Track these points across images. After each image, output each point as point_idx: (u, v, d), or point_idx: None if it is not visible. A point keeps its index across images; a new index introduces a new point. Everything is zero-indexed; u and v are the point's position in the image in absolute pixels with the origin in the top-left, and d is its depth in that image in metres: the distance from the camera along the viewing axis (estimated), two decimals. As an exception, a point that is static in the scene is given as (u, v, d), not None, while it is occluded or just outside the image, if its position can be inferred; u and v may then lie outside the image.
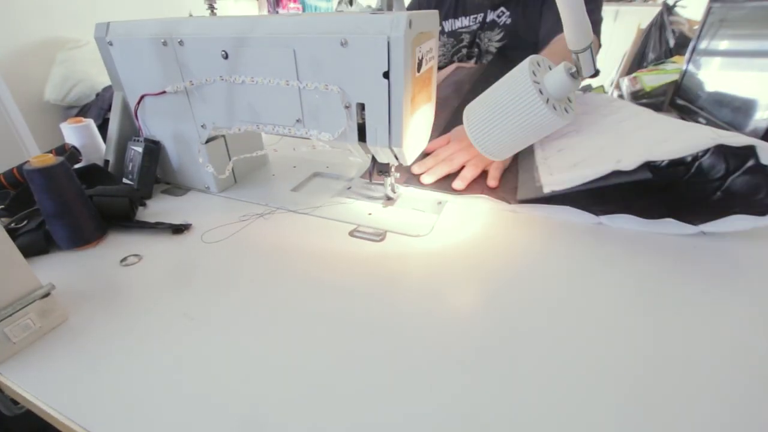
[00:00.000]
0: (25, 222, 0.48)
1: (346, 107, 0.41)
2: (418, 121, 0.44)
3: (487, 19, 0.91)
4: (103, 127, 0.60)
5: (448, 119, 0.68)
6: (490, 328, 0.34)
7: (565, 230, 0.47)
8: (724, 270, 0.40)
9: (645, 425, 0.26)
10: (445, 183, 0.55)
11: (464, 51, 0.98)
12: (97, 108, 1.54)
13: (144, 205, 0.56)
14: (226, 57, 0.45)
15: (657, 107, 1.19)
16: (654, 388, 0.28)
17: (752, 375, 0.29)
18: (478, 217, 0.51)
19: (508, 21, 0.89)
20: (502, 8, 0.89)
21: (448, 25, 0.99)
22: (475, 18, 0.93)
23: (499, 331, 0.34)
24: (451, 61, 1.00)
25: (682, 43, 1.49)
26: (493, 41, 0.93)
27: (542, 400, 0.28)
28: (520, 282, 0.39)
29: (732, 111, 0.91)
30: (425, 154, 0.60)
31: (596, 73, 0.46)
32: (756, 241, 0.43)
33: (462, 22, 0.94)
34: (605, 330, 0.33)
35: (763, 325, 0.33)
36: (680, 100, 1.12)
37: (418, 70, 0.40)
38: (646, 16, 1.90)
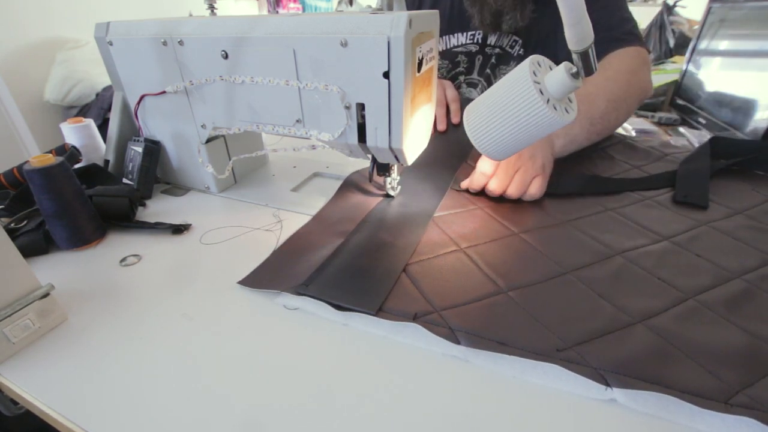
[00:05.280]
0: (24, 222, 0.48)
1: (346, 107, 0.41)
2: (418, 121, 0.44)
3: (488, 42, 0.77)
4: (103, 127, 0.60)
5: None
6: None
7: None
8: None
9: None
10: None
11: (462, 78, 0.82)
12: (97, 108, 1.54)
13: (144, 205, 0.56)
14: (226, 57, 0.45)
15: (657, 107, 1.19)
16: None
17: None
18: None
19: (521, 51, 0.76)
20: (514, 37, 0.75)
21: (441, 43, 0.81)
22: (473, 36, 0.78)
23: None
24: None
25: (682, 43, 1.49)
26: None
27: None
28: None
29: (732, 111, 0.91)
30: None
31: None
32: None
33: (458, 39, 0.79)
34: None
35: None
36: (680, 100, 1.12)
37: (419, 70, 0.40)
38: (646, 16, 1.89)
